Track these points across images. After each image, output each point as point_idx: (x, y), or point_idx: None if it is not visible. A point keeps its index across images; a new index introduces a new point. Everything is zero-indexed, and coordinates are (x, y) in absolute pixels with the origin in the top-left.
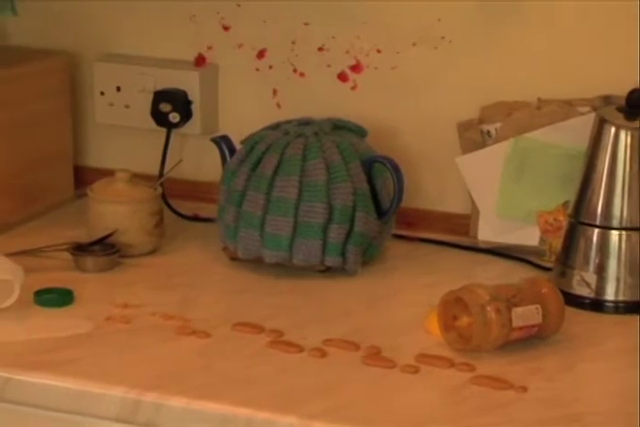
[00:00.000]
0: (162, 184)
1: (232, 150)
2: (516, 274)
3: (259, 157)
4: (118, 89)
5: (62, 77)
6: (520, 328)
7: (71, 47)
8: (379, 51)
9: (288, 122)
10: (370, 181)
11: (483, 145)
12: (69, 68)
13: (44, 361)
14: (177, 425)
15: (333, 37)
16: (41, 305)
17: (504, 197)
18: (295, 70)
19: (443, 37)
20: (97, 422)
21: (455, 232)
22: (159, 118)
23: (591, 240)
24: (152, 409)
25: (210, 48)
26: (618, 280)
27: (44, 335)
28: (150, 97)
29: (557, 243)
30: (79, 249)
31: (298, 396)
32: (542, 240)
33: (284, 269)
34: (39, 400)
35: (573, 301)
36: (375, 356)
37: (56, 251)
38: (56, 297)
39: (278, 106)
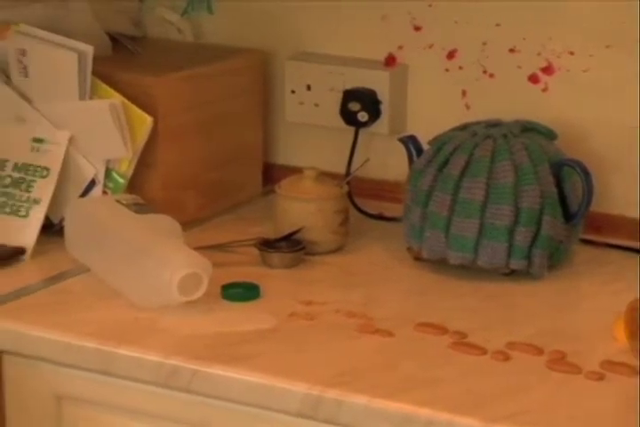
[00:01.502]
0: (348, 183)
1: (419, 150)
2: None
3: (446, 158)
4: (308, 88)
5: (255, 76)
6: None
7: (264, 46)
8: (571, 53)
9: (476, 123)
10: (558, 184)
11: None
12: (262, 67)
13: (229, 354)
14: (358, 423)
15: (524, 39)
16: (227, 299)
17: None
18: (485, 71)
19: (638, 40)
20: (279, 417)
21: None
22: (348, 117)
23: None
24: (333, 406)
25: (400, 48)
26: None
27: (229, 329)
28: (340, 96)
29: None
30: (266, 245)
31: (480, 398)
32: None
33: (469, 270)
34: (224, 393)
35: None
36: (559, 361)
37: (243, 246)
38: (242, 291)
39: (467, 107)
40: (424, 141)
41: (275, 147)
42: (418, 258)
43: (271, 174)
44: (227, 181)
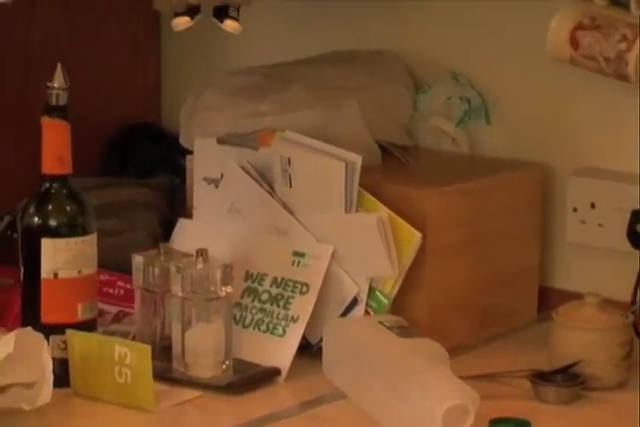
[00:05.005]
0: (634, 312)
1: None
2: None
3: None
4: (592, 206)
5: (533, 191)
6: None
7: (544, 159)
8: None
9: None
10: None
11: None
12: (541, 182)
13: None
14: None
15: None
16: None
17: None
18: None
19: None
20: None
21: None
22: (635, 240)
23: None
24: None
25: None
26: None
27: None
28: (627, 216)
29: None
30: (540, 377)
31: None
32: None
33: None
34: None
35: None
36: None
37: (514, 377)
38: None
39: None
40: None
41: (552, 269)
42: None
43: (547, 299)
44: (499, 304)
